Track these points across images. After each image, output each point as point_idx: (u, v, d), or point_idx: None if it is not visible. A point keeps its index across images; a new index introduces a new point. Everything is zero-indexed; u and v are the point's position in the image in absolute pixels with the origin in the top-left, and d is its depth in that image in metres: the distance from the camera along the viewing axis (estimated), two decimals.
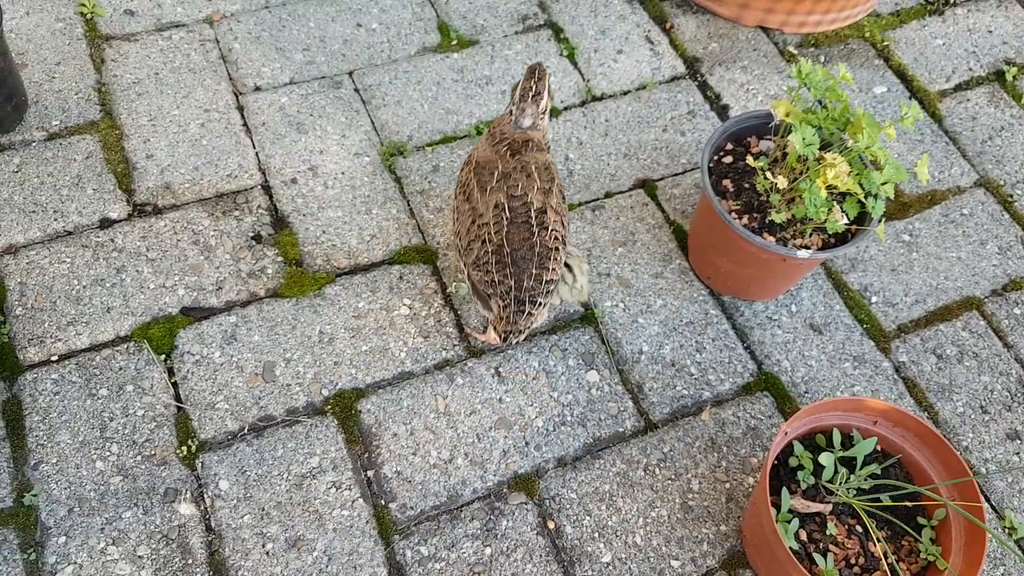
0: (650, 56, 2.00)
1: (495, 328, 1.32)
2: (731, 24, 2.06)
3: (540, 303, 1.27)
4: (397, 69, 1.91)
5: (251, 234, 1.65)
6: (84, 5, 1.89)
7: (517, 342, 1.43)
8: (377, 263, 1.63)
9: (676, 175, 1.83)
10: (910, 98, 1.99)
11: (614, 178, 1.80)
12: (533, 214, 1.28)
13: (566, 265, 1.32)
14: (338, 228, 1.66)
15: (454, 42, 1.97)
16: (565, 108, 1.90)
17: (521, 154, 1.33)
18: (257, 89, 1.85)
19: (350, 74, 1.89)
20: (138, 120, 1.77)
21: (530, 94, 1.37)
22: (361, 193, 1.71)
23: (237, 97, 1.83)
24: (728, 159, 1.63)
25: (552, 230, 1.28)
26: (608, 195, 1.78)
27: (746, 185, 1.57)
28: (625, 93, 1.94)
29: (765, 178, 1.48)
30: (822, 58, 2.04)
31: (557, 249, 1.29)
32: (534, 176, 1.31)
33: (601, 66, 1.97)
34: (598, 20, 2.04)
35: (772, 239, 1.50)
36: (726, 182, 1.59)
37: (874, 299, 1.68)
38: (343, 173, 1.74)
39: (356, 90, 1.87)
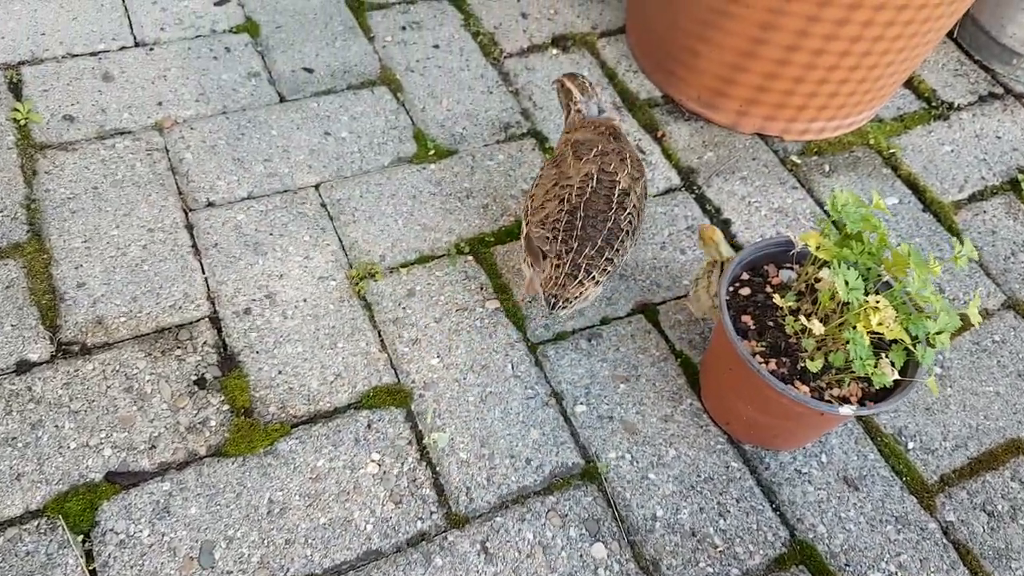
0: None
1: (543, 286, 1.24)
2: (727, 132, 1.80)
3: (594, 277, 1.23)
4: (369, 181, 1.60)
5: (194, 377, 1.29)
6: (18, 111, 1.56)
7: (563, 314, 1.32)
8: (341, 408, 1.29)
9: (679, 298, 1.52)
10: (924, 210, 1.71)
11: (610, 301, 1.49)
12: (617, 192, 1.27)
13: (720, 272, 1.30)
14: (297, 366, 1.32)
15: (431, 152, 1.67)
16: None
17: (620, 140, 1.36)
18: (210, 205, 1.52)
19: (316, 187, 1.58)
20: (70, 242, 1.42)
21: (585, 84, 1.46)
22: (325, 324, 1.37)
23: (187, 214, 1.50)
24: (745, 290, 1.33)
25: (629, 213, 1.27)
26: (605, 321, 1.47)
27: (769, 323, 1.26)
28: None
29: (795, 319, 1.17)
30: (826, 167, 1.78)
31: (628, 233, 1.27)
32: (627, 162, 1.31)
33: None
34: None
35: (806, 389, 1.18)
36: (746, 318, 1.29)
37: (911, 445, 1.36)
38: (305, 300, 1.40)
39: (323, 205, 1.55)
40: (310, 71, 1.79)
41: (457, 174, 1.68)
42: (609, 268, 1.23)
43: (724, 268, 1.30)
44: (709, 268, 1.35)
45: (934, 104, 1.98)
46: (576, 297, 1.21)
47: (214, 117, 1.68)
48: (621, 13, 2.02)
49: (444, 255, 1.55)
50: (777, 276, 1.40)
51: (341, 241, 1.54)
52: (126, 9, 1.82)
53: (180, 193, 1.56)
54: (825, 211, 1.72)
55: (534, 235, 1.25)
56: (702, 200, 1.72)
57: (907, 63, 1.70)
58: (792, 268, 1.37)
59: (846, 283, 1.14)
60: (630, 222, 1.26)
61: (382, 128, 1.73)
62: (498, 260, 1.55)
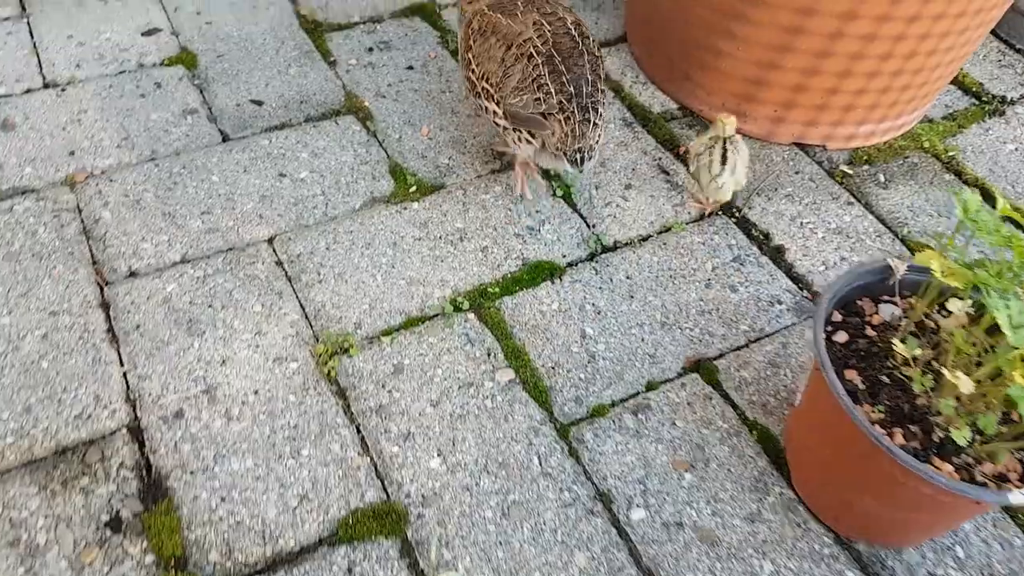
0: (667, 189, 1.31)
1: (561, 148, 1.10)
2: (761, 143, 1.41)
3: (601, 112, 1.10)
4: (337, 230, 1.18)
5: (106, 517, 0.85)
6: None
7: (589, 166, 1.12)
8: (310, 546, 0.85)
9: (738, 349, 1.11)
10: (1003, 219, 1.31)
11: (655, 359, 1.07)
12: (571, 26, 1.14)
13: (722, 151, 1.24)
14: (247, 489, 0.89)
15: (412, 188, 1.26)
16: (569, 264, 1.18)
17: None
18: (132, 275, 1.09)
19: (270, 241, 1.15)
20: None
21: None
22: (284, 423, 0.94)
23: (102, 289, 1.06)
24: (841, 335, 0.92)
25: (593, 39, 1.15)
26: (651, 386, 1.05)
27: (882, 378, 0.86)
28: (645, 239, 1.24)
29: (922, 372, 0.78)
30: (881, 177, 1.39)
31: (603, 58, 1.16)
32: (557, 2, 1.19)
33: (608, 206, 1.28)
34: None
35: (950, 469, 0.78)
36: (850, 374, 0.89)
37: None
38: (256, 392, 0.97)
39: (278, 263, 1.12)
40: (259, 104, 1.38)
41: (446, 213, 1.27)
42: (604, 101, 1.13)
43: (727, 145, 1.25)
44: (711, 143, 1.25)
45: (984, 99, 1.62)
46: (595, 142, 1.10)
47: (140, 165, 1.26)
48: (619, 21, 1.65)
49: (438, 315, 1.13)
50: (876, 313, 0.99)
51: (303, 308, 1.11)
52: (35, 46, 1.40)
53: (94, 263, 1.13)
54: (889, 227, 1.34)
55: (518, 107, 1.12)
56: (745, 225, 1.31)
57: (966, 48, 1.34)
58: (894, 302, 0.96)
59: (1009, 319, 0.74)
60: (598, 46, 1.17)
61: (350, 164, 1.31)
62: (507, 315, 1.14)
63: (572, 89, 1.09)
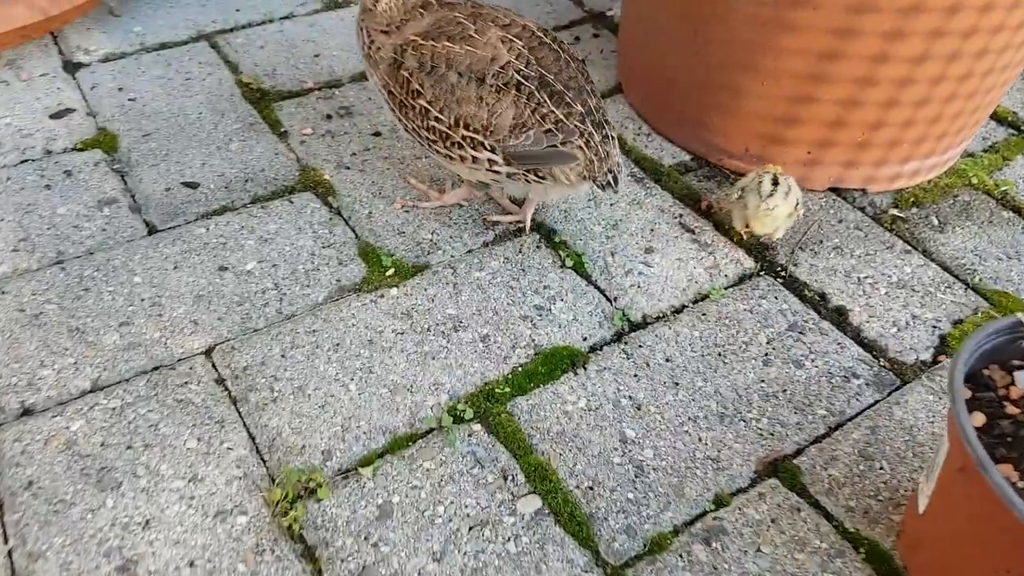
0: (696, 250, 1.08)
1: (589, 175, 0.98)
2: None
3: (611, 123, 1.00)
4: (295, 331, 0.91)
5: None
6: None
7: (618, 189, 0.99)
8: None
9: (819, 440, 0.87)
10: None
11: (719, 464, 0.80)
12: (540, 34, 1.00)
13: (772, 178, 1.11)
14: None
15: (390, 272, 1.00)
16: (592, 349, 0.93)
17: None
18: (26, 413, 0.82)
19: (207, 354, 0.88)
20: None
21: None
22: None
23: None
24: (976, 417, 0.70)
25: (569, 44, 1.05)
26: (721, 501, 0.79)
27: None
28: (679, 311, 1.00)
29: None
30: (934, 220, 1.19)
31: (584, 62, 1.07)
32: (499, 9, 1.02)
33: (628, 274, 1.03)
34: (601, 210, 1.16)
35: None
36: (1003, 468, 0.64)
37: None
38: (193, 564, 0.68)
39: (219, 381, 0.85)
40: (194, 186, 1.13)
41: (434, 298, 1.00)
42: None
43: (778, 175, 1.12)
44: (757, 175, 1.13)
45: (1023, 129, 1.44)
46: (618, 159, 0.99)
47: (41, 271, 0.98)
48: (611, 72, 1.47)
49: (434, 429, 0.85)
50: (1013, 384, 0.74)
51: (253, 438, 0.82)
52: None
53: None
54: (956, 275, 1.12)
55: (526, 146, 0.96)
56: (794, 284, 1.08)
57: (1019, 68, 1.16)
58: None
59: None
60: (579, 57, 1.03)
61: (310, 249, 1.06)
62: (523, 422, 0.87)
63: (580, 108, 0.97)
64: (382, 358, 0.97)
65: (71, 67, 1.38)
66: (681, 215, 1.22)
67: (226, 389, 0.92)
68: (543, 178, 1.00)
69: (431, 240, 1.14)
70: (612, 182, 1.00)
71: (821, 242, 1.20)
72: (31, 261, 1.05)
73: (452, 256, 1.11)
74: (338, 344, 0.98)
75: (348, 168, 1.24)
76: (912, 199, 1.30)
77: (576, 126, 0.97)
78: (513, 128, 0.97)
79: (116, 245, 1.08)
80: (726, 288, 1.11)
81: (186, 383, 0.92)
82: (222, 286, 1.04)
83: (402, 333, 1.00)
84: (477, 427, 0.91)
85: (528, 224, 1.15)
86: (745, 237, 1.16)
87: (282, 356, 0.96)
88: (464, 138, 0.99)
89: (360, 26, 1.05)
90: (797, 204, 1.12)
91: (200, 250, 1.08)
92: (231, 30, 1.50)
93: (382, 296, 1.05)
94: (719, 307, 1.08)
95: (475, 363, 0.98)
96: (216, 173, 1.20)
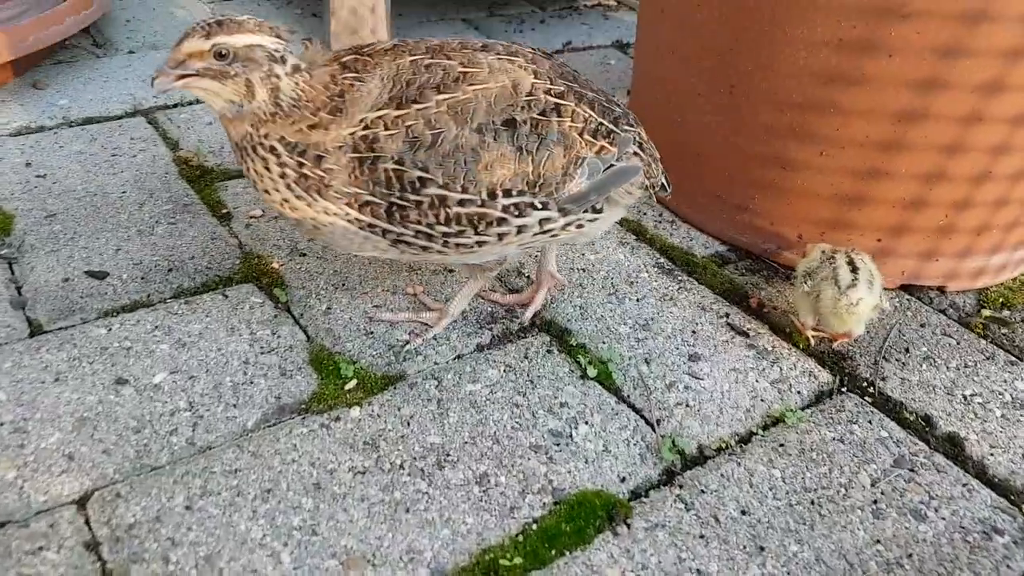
0: (754, 358, 0.83)
1: (649, 181, 0.86)
2: None
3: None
4: (211, 469, 0.68)
5: None
6: None
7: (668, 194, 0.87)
8: None
9: None
10: None
11: None
12: (530, 51, 0.82)
13: (847, 260, 0.92)
14: None
15: (350, 384, 0.74)
16: (635, 495, 0.65)
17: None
18: None
19: (81, 503, 0.62)
20: None
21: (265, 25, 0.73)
22: None
23: None
24: None
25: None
26: None
27: None
28: (746, 439, 0.75)
29: None
30: None
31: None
32: (453, 40, 0.80)
33: (672, 388, 0.77)
34: (626, 307, 0.93)
35: None
36: None
37: None
38: None
39: (90, 545, 0.61)
40: (100, 276, 0.87)
41: (410, 421, 0.72)
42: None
43: (852, 255, 0.91)
44: (826, 256, 0.92)
45: None
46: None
47: None
48: None
49: None
50: None
51: None
52: None
53: None
54: None
55: (588, 189, 0.78)
56: (888, 405, 0.84)
57: None
58: None
59: None
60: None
61: (243, 355, 0.78)
62: None
63: (619, 108, 0.83)
64: (332, 511, 0.67)
65: None
66: (727, 314, 0.97)
67: (100, 559, 0.61)
68: (600, 210, 0.82)
69: (407, 341, 0.86)
70: (666, 182, 0.89)
71: (907, 350, 0.95)
72: None
73: (436, 363, 0.84)
74: (269, 490, 0.68)
75: (304, 255, 0.98)
76: (1001, 300, 1.07)
77: (625, 129, 0.82)
78: (566, 168, 0.76)
79: None
80: (803, 409, 0.84)
81: (41, 548, 0.60)
82: (116, 405, 0.74)
83: (363, 473, 0.71)
84: None
85: (446, 320, 0.90)
86: (813, 341, 0.90)
87: (187, 508, 0.65)
88: (507, 208, 0.74)
89: (258, 147, 0.74)
90: (881, 295, 0.87)
91: (94, 357, 0.79)
92: (174, 106, 1.29)
93: (337, 419, 0.76)
94: (799, 435, 0.81)
95: (469, 517, 0.68)
96: (132, 261, 0.94)
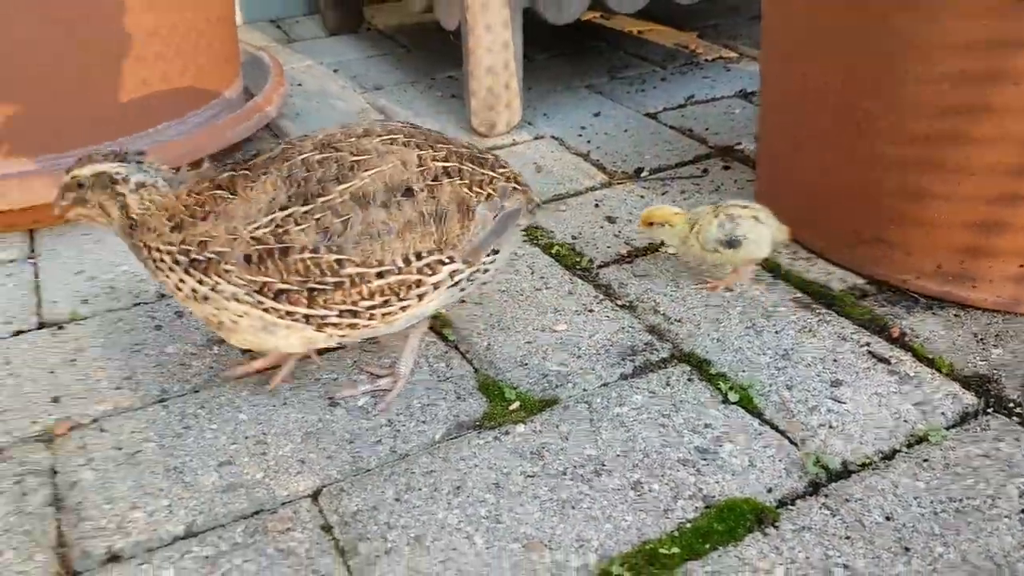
0: (897, 383, 0.94)
1: (531, 205, 1.02)
2: (1002, 316, 1.03)
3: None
4: (411, 471, 0.92)
5: None
6: None
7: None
8: None
9: None
10: None
11: None
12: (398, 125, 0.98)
13: (741, 207, 1.15)
14: None
15: (514, 406, 0.95)
16: (782, 503, 0.77)
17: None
18: (113, 559, 0.88)
19: (314, 497, 0.88)
20: None
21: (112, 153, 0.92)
22: None
23: None
24: None
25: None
26: None
27: None
28: (890, 456, 0.88)
29: None
30: None
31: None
32: (338, 129, 0.95)
33: (815, 412, 0.90)
34: (764, 339, 1.05)
35: None
36: None
37: None
38: None
39: (325, 528, 0.83)
40: None
41: (568, 436, 0.90)
42: None
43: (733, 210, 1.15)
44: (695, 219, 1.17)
45: None
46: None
47: (143, 409, 0.97)
48: (744, 194, 1.40)
49: None
50: None
51: None
52: (37, 286, 1.21)
53: (61, 544, 0.81)
54: None
55: (486, 238, 0.94)
56: None
57: None
58: None
59: None
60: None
61: (425, 383, 1.01)
62: None
63: (490, 157, 1.01)
64: (511, 505, 0.84)
65: None
66: (868, 343, 1.08)
67: (333, 538, 0.81)
68: (497, 251, 0.97)
69: (558, 372, 1.04)
70: (535, 207, 1.04)
71: None
72: (134, 399, 1.03)
73: (584, 390, 1.01)
74: (459, 487, 0.87)
75: (463, 302, 1.19)
76: None
77: (501, 171, 0.98)
78: (463, 222, 0.91)
79: (223, 383, 1.04)
80: (947, 428, 0.93)
81: (289, 529, 0.82)
82: (332, 423, 0.97)
83: (533, 476, 0.88)
84: None
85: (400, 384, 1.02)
86: (735, 287, 1.19)
87: (396, 500, 0.85)
88: (420, 270, 0.89)
89: (142, 251, 0.90)
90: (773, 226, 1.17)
91: (311, 385, 1.03)
92: None
93: (507, 433, 0.94)
94: (944, 452, 0.90)
95: (627, 515, 0.83)
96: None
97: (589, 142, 1.72)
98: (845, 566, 0.77)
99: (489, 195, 0.94)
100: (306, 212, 0.85)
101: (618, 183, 1.55)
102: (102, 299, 1.24)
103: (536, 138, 1.76)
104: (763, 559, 0.78)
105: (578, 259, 1.30)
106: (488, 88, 1.65)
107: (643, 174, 1.56)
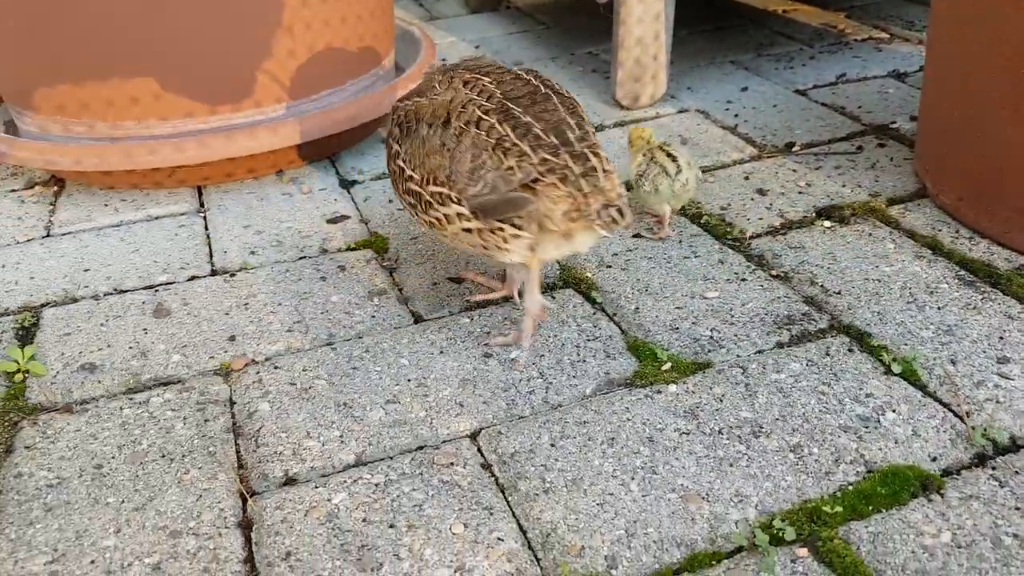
0: None
1: (580, 214, 0.89)
2: None
3: (605, 157, 0.92)
4: (564, 420, 0.95)
5: None
6: (16, 361, 0.98)
7: (626, 223, 0.88)
8: None
9: None
10: None
11: None
12: (521, 72, 1.00)
13: (665, 154, 1.22)
14: None
15: (665, 367, 0.96)
16: (946, 472, 0.77)
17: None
18: (289, 482, 0.92)
19: (473, 437, 0.92)
20: (26, 566, 0.71)
21: None
22: None
23: (244, 502, 0.92)
24: None
25: (558, 84, 1.00)
26: None
27: None
28: None
29: None
30: None
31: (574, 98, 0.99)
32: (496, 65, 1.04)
33: (980, 386, 0.88)
34: (927, 313, 1.06)
35: None
36: None
37: None
38: None
39: (485, 466, 0.87)
40: (459, 282, 1.20)
41: (723, 398, 0.91)
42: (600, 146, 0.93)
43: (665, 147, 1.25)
44: (645, 157, 1.26)
45: None
46: (618, 192, 0.90)
47: (314, 350, 1.05)
48: (903, 178, 1.39)
49: (742, 548, 0.73)
50: None
51: (524, 531, 0.77)
52: (208, 237, 1.33)
53: (241, 466, 0.88)
54: None
55: (484, 195, 0.92)
56: None
57: None
58: None
59: None
60: (570, 95, 0.99)
61: (574, 341, 1.04)
62: (864, 552, 0.74)
63: (554, 139, 0.90)
64: (666, 458, 0.87)
65: (346, 184, 1.56)
66: None
67: (493, 475, 0.87)
68: (521, 228, 0.92)
69: (710, 337, 1.06)
70: (616, 217, 0.88)
71: None
72: (304, 341, 1.11)
73: (739, 356, 1.02)
74: (612, 438, 0.90)
75: (610, 267, 1.22)
76: None
77: (545, 159, 0.89)
78: (471, 173, 0.92)
79: (384, 330, 1.12)
80: None
81: (452, 464, 0.88)
82: (487, 372, 1.02)
83: (687, 433, 0.90)
84: (803, 552, 0.76)
85: (528, 336, 1.05)
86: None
87: (551, 446, 0.90)
88: (435, 195, 0.96)
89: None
90: (695, 171, 1.26)
91: (465, 338, 1.09)
92: None
93: (659, 392, 0.97)
94: None
95: (787, 476, 0.84)
96: (480, 271, 1.24)
97: (736, 116, 1.71)
98: (1016, 535, 0.76)
99: (508, 168, 0.91)
100: (396, 107, 1.08)
101: (768, 156, 1.54)
102: (269, 251, 1.34)
103: (680, 111, 1.76)
104: (928, 523, 0.78)
105: (728, 229, 1.31)
106: (636, 59, 1.67)
107: (794, 148, 1.54)
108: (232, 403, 1.01)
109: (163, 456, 0.93)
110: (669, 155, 1.24)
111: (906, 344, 1.02)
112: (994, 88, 1.14)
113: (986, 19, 1.14)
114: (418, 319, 1.15)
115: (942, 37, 1.27)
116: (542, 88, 0.97)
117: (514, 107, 0.93)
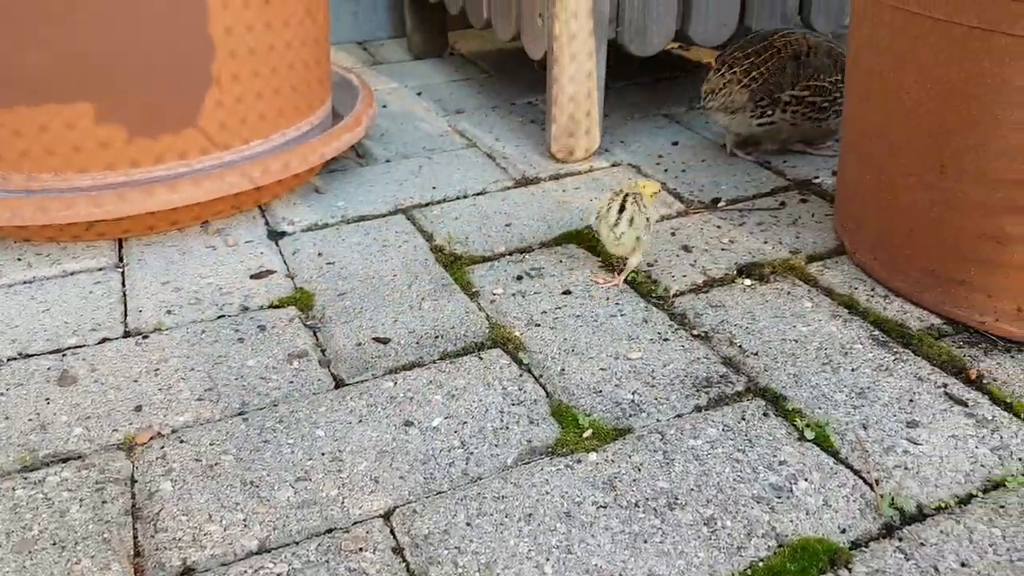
0: (974, 427, 0.92)
1: None
2: None
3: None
4: (482, 495, 0.92)
5: None
6: None
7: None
8: None
9: None
10: None
11: None
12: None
13: (619, 204, 1.28)
14: None
15: (587, 434, 0.96)
16: (855, 545, 0.79)
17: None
18: (187, 572, 0.77)
19: (386, 516, 0.89)
20: None
21: None
22: None
23: None
24: None
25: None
26: None
27: None
28: (965, 501, 0.91)
29: None
30: None
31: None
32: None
33: (890, 452, 0.88)
34: (841, 376, 1.05)
35: None
36: None
37: None
38: None
39: (397, 549, 0.86)
40: (385, 341, 1.15)
41: (641, 467, 0.90)
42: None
43: (627, 199, 1.28)
44: (611, 197, 1.28)
45: None
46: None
47: (224, 421, 1.00)
48: (823, 234, 1.41)
49: None
50: None
51: None
52: (123, 295, 1.27)
53: (137, 554, 0.84)
54: None
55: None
56: None
57: None
58: None
59: None
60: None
61: (498, 406, 1.01)
62: None
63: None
64: (582, 535, 0.85)
65: (275, 235, 1.51)
66: (945, 384, 1.05)
67: (404, 560, 0.83)
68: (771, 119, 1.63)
69: (632, 401, 1.04)
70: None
71: None
72: (214, 411, 1.06)
73: (658, 420, 1.01)
74: (530, 515, 0.88)
75: (538, 326, 1.21)
76: None
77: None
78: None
79: (302, 397, 1.08)
80: None
81: (360, 549, 0.84)
82: (407, 442, 0.99)
83: (605, 507, 0.88)
84: None
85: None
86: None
87: (467, 524, 0.87)
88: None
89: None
90: (645, 229, 1.26)
91: (386, 404, 1.06)
92: (427, 204, 1.61)
93: (579, 461, 0.95)
94: (1021, 499, 0.87)
95: (700, 552, 0.83)
96: (407, 330, 1.21)
97: (666, 171, 1.72)
98: None
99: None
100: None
101: (695, 212, 1.55)
102: (186, 310, 1.29)
103: (613, 165, 1.77)
104: None
105: (654, 287, 1.31)
106: (569, 115, 1.68)
107: (720, 204, 1.56)
108: (133, 481, 0.96)
109: (54, 544, 0.87)
110: (621, 207, 1.24)
111: (820, 408, 1.02)
112: (900, 158, 1.16)
113: (888, 94, 1.16)
114: (339, 383, 1.11)
115: (851, 103, 1.30)
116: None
117: (808, 51, 1.71)
